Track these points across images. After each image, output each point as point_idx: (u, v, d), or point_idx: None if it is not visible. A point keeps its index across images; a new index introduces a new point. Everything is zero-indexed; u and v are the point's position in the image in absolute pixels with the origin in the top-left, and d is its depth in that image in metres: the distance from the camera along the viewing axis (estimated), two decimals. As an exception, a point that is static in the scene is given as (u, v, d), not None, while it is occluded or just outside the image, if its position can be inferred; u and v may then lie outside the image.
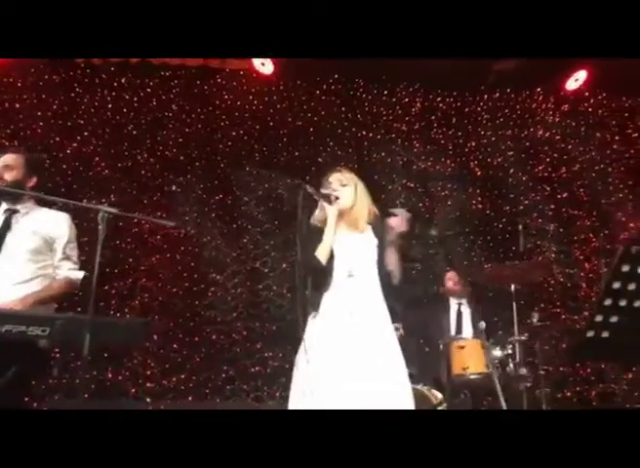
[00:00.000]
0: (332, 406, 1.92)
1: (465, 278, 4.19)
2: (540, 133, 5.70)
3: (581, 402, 4.91)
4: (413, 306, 4.47)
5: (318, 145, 5.47)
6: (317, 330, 2.17)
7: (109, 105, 5.28)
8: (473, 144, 5.65)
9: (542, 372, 3.32)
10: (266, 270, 5.08)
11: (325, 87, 5.63)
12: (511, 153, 5.61)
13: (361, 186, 2.47)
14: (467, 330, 3.86)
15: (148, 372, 4.71)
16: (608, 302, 1.19)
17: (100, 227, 2.02)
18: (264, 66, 5.28)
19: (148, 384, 4.67)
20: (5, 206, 2.55)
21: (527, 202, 5.49)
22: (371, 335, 2.10)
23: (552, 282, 5.21)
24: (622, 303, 1.19)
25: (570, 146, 5.64)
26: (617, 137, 5.70)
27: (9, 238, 2.46)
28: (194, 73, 5.44)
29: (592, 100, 5.78)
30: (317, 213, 2.45)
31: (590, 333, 1.20)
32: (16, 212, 2.54)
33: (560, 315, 5.07)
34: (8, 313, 2.02)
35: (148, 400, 4.61)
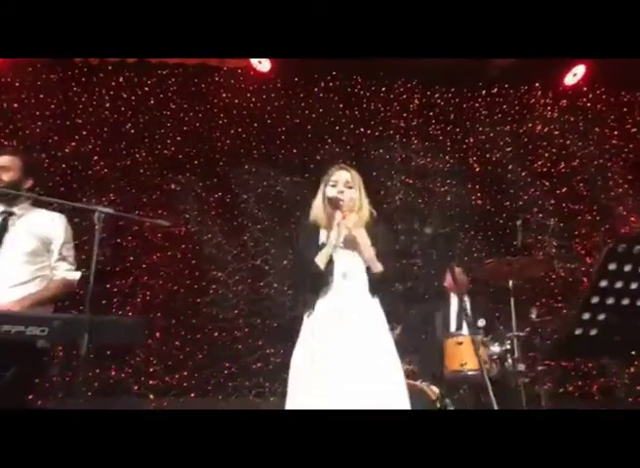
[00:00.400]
0: (328, 405, 1.92)
1: (466, 274, 4.19)
2: (539, 128, 5.70)
3: (583, 396, 4.93)
4: (413, 303, 4.49)
5: (316, 142, 5.48)
6: (312, 329, 2.18)
7: (107, 104, 5.29)
8: (472, 140, 5.65)
9: (543, 368, 3.33)
10: (267, 267, 5.09)
11: (323, 84, 5.63)
12: (510, 149, 5.60)
13: (363, 188, 2.41)
14: (467, 326, 3.87)
15: (151, 370, 4.74)
16: (595, 300, 1.20)
17: (96, 227, 2.02)
18: (262, 64, 5.28)
19: (151, 381, 4.71)
20: (1, 208, 2.55)
21: (526, 197, 5.49)
22: (365, 335, 2.10)
23: (553, 277, 5.22)
24: (610, 301, 1.20)
25: (569, 141, 5.64)
26: (615, 132, 5.71)
27: (6, 240, 2.47)
28: (192, 72, 5.45)
29: (591, 95, 5.78)
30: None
31: (578, 331, 1.21)
32: (12, 214, 2.55)
33: (561, 310, 5.08)
34: (6, 314, 2.03)
35: (151, 397, 4.64)
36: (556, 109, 5.75)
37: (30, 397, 2.64)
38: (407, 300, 4.59)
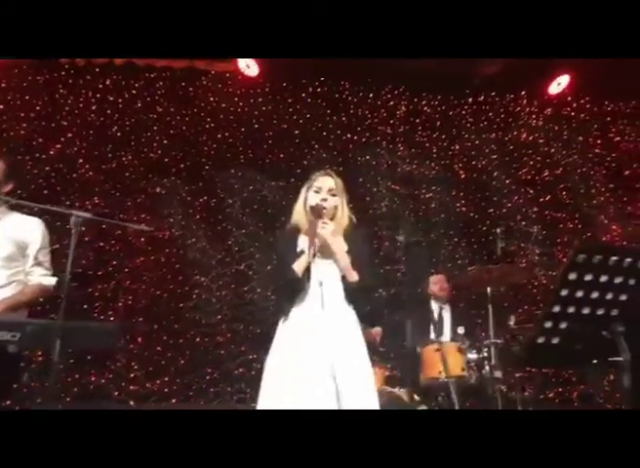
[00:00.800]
0: (300, 408, 1.92)
1: (448, 281, 4.21)
2: (524, 136, 5.76)
3: (563, 403, 4.96)
4: (396, 309, 4.50)
5: (303, 148, 5.49)
6: (286, 336, 2.18)
7: (93, 107, 5.26)
8: (457, 147, 5.70)
9: (521, 375, 3.35)
10: (251, 272, 5.08)
11: (310, 89, 5.65)
12: (495, 156, 5.65)
13: (345, 195, 2.39)
14: (447, 333, 3.89)
15: (132, 375, 4.69)
16: (557, 309, 1.21)
17: (72, 232, 2.01)
18: (250, 68, 5.28)
19: (132, 387, 4.66)
20: None
21: (510, 205, 5.54)
22: (338, 344, 2.08)
23: (536, 284, 5.26)
24: (571, 310, 1.22)
25: (553, 150, 5.70)
26: (598, 141, 5.78)
27: None
28: (179, 75, 5.44)
29: (575, 105, 5.84)
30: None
31: (541, 339, 1.22)
32: None
33: (543, 317, 5.10)
34: (-23, 318, 2.01)
35: (132, 403, 4.59)
36: (541, 118, 5.81)
37: (8, 402, 2.61)
38: (390, 306, 4.60)
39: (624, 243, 5.42)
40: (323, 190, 2.34)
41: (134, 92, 5.37)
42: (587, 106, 5.87)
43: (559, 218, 5.57)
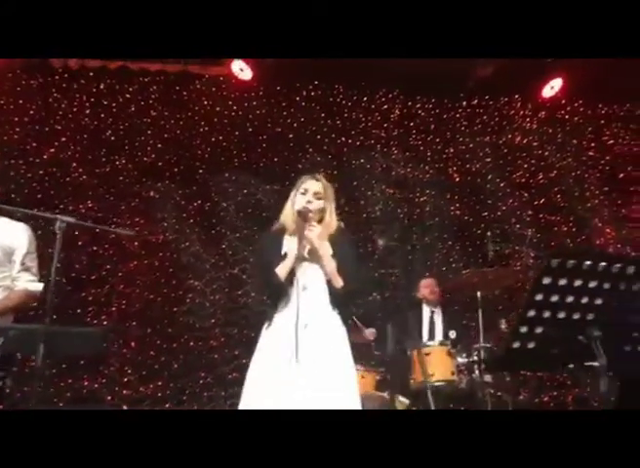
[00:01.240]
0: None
1: (440, 285, 4.20)
2: (518, 139, 5.75)
3: (558, 406, 4.94)
4: (390, 313, 4.48)
5: (297, 151, 5.48)
6: (269, 341, 2.17)
7: (87, 111, 5.27)
8: (452, 151, 5.69)
9: (511, 379, 3.34)
10: (245, 276, 5.07)
11: (304, 93, 5.64)
12: (489, 159, 5.64)
13: (334, 200, 2.40)
14: (439, 337, 3.87)
15: (125, 380, 4.69)
16: (532, 314, 1.21)
17: (57, 236, 2.00)
18: (243, 72, 5.28)
19: (125, 391, 4.66)
20: None
21: (505, 208, 5.53)
22: (322, 349, 2.08)
23: (529, 287, 5.23)
24: (546, 315, 1.21)
25: (547, 153, 5.69)
26: (592, 144, 5.78)
27: None
28: (173, 79, 5.43)
29: (569, 108, 5.84)
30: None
31: (516, 344, 1.21)
32: None
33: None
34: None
35: (125, 407, 4.57)
36: (535, 121, 5.80)
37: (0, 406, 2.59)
38: (383, 310, 4.58)
39: (619, 246, 5.41)
40: (309, 192, 2.35)
41: (128, 96, 5.37)
42: (581, 109, 5.86)
43: (553, 221, 5.56)
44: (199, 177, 5.29)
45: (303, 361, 1.98)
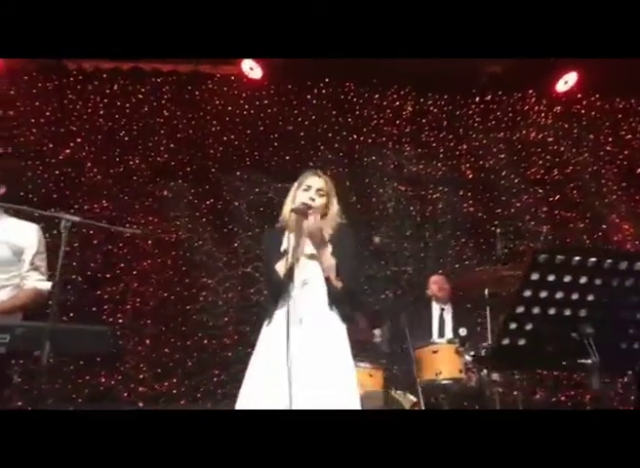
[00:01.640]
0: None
1: (450, 282, 4.16)
2: (533, 135, 5.67)
3: (576, 406, 4.86)
4: (400, 310, 4.46)
5: (309, 149, 5.48)
6: (268, 338, 2.17)
7: (101, 112, 5.34)
8: (465, 147, 5.63)
9: (520, 377, 3.29)
10: (257, 274, 5.08)
11: (315, 90, 5.64)
12: (503, 156, 5.58)
13: (335, 198, 2.39)
14: (449, 334, 3.84)
15: (141, 377, 4.74)
16: (520, 310, 1.18)
17: (62, 235, 2.03)
18: (253, 71, 5.30)
19: (141, 389, 4.70)
20: None
21: (519, 204, 5.46)
22: (320, 346, 2.08)
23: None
24: (536, 311, 1.19)
25: (562, 148, 5.60)
26: (610, 139, 5.66)
27: None
28: (185, 79, 5.49)
29: (585, 102, 5.74)
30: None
31: (505, 341, 1.19)
32: None
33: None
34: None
35: (141, 404, 4.63)
36: (550, 116, 5.71)
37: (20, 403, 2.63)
38: (395, 308, 4.57)
39: (637, 242, 5.30)
40: (312, 189, 2.35)
41: (140, 96, 5.43)
42: (597, 104, 5.75)
43: (569, 218, 5.47)
44: (211, 176, 5.33)
45: (298, 357, 1.97)
